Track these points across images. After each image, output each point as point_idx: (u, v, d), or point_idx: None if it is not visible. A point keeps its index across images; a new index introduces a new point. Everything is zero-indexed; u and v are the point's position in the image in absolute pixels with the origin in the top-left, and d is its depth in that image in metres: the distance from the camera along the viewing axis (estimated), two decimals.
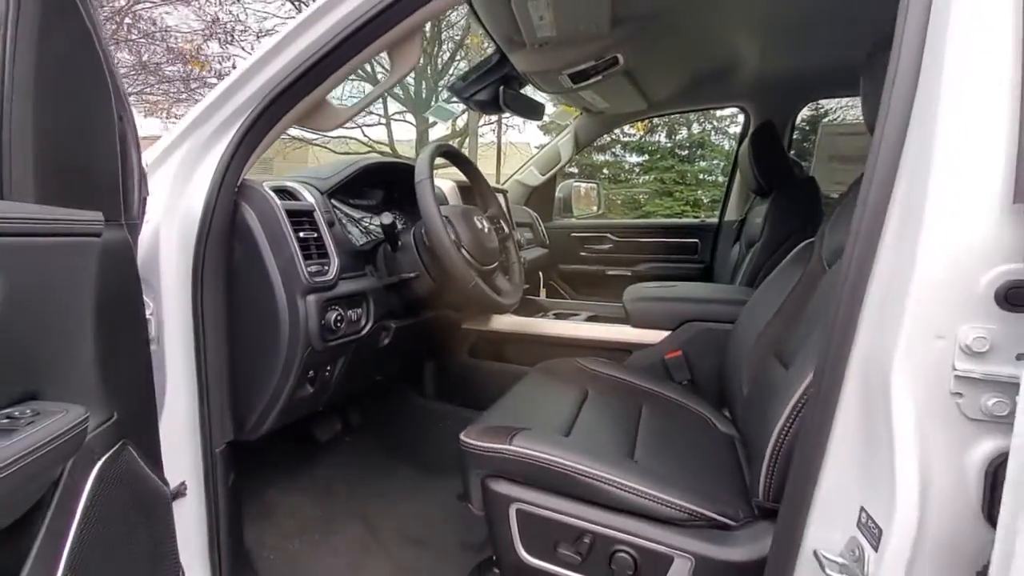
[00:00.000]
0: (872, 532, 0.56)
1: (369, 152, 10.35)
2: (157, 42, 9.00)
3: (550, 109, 2.37)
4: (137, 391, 0.78)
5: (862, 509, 0.58)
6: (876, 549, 0.55)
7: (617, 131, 9.23)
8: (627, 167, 10.26)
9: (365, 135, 10.19)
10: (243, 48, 9.14)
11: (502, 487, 0.92)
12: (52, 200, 0.62)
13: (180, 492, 0.96)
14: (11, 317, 0.53)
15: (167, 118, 9.80)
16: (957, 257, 0.52)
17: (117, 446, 0.70)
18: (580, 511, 0.87)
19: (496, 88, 1.66)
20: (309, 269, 0.97)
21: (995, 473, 0.51)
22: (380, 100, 9.34)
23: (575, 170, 10.18)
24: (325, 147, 9.74)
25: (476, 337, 1.72)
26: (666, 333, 1.54)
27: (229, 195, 0.93)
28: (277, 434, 1.08)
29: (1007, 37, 0.51)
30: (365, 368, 1.28)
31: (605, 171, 10.22)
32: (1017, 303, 0.49)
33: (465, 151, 10.53)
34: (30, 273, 0.56)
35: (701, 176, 9.59)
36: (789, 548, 0.64)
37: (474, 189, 1.44)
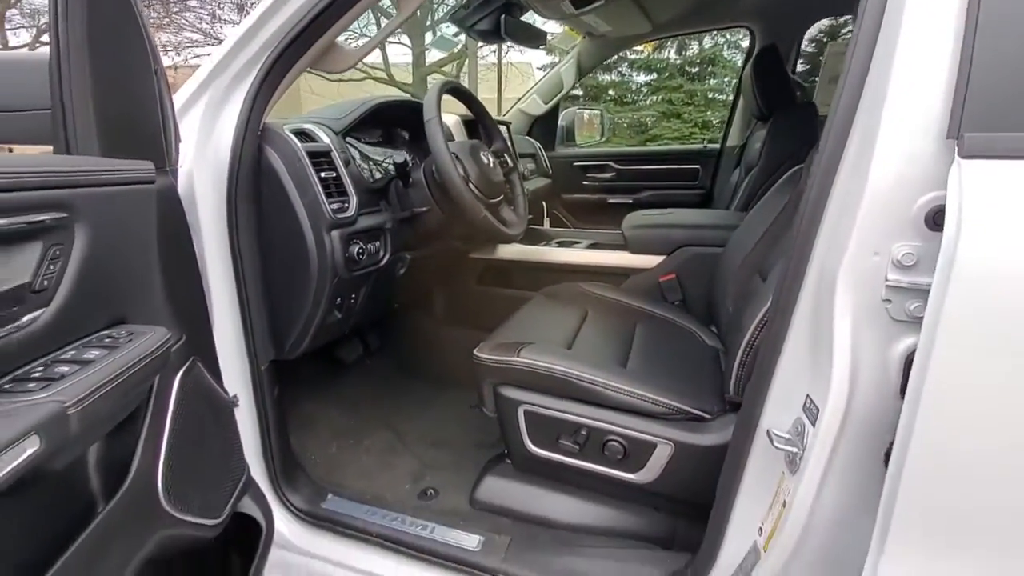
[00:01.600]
0: (812, 412, 0.69)
1: (365, 78, 9.97)
2: None
3: (557, 29, 2.32)
4: (197, 316, 0.91)
5: (807, 396, 0.71)
6: (813, 425, 0.68)
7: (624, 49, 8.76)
8: (634, 88, 9.85)
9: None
10: None
11: (511, 392, 1.07)
12: (112, 152, 0.71)
13: (235, 403, 1.12)
14: (99, 255, 0.63)
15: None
16: (899, 184, 0.61)
17: (189, 362, 0.83)
18: (578, 409, 1.02)
19: (497, 17, 1.65)
20: (332, 207, 1.06)
21: (912, 362, 0.63)
22: (374, 21, 8.88)
23: (580, 92, 9.81)
24: (318, 73, 9.35)
25: (483, 266, 1.84)
26: (661, 258, 1.64)
27: (253, 139, 1.00)
28: (308, 357, 1.21)
29: None
30: (384, 295, 1.40)
31: (611, 92, 9.83)
32: (940, 224, 0.59)
33: (465, 74, 10.12)
34: (107, 217, 0.65)
35: (711, 95, 9.20)
36: (747, 429, 0.78)
37: (479, 124, 1.49)
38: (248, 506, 1.03)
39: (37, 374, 0.55)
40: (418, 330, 1.87)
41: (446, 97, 1.24)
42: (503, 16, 1.61)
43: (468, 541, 1.05)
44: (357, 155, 1.24)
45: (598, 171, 2.76)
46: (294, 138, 1.05)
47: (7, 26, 9.00)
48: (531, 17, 1.93)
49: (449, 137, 1.67)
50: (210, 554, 0.99)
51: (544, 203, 2.58)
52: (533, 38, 1.82)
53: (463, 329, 1.80)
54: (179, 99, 0.99)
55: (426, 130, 1.13)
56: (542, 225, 2.55)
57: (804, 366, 0.72)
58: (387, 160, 1.31)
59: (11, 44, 9.24)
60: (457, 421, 1.53)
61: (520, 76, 9.91)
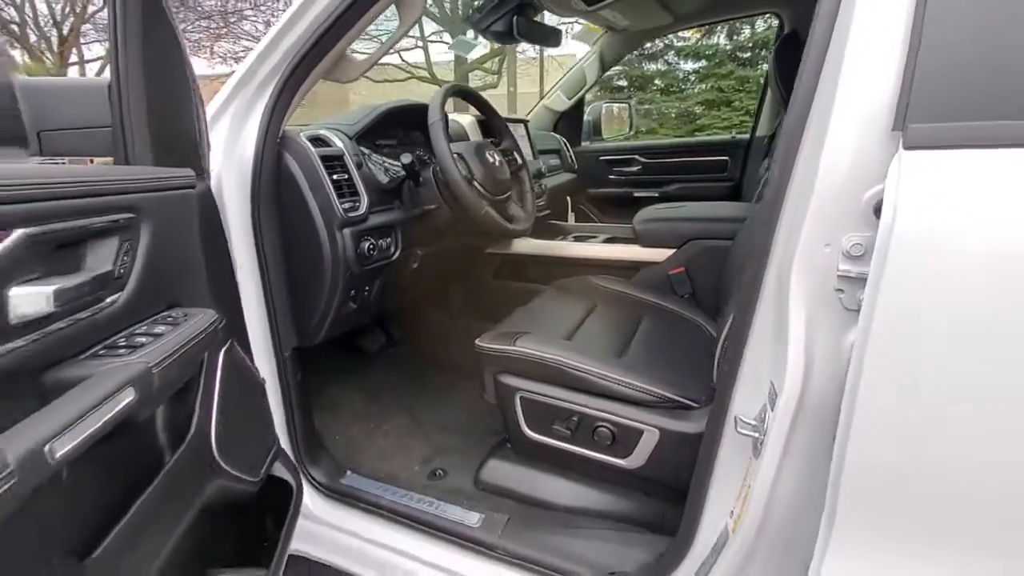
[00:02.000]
0: (773, 399, 0.71)
1: (408, 79, 10.22)
2: None
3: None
4: (232, 303, 1.02)
5: (771, 383, 0.73)
6: (773, 409, 0.70)
7: (671, 36, 8.48)
8: (681, 76, 9.55)
9: (403, 59, 10.04)
10: None
11: (509, 380, 1.13)
12: (161, 162, 0.82)
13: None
14: (158, 249, 0.75)
15: (211, 56, 10.04)
16: (849, 176, 0.62)
17: (229, 342, 0.94)
18: (570, 397, 1.07)
19: (510, 18, 1.70)
20: (343, 206, 1.15)
21: None
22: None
23: (624, 83, 9.62)
24: (363, 76, 9.67)
25: (499, 260, 1.90)
26: (671, 251, 1.65)
27: (273, 146, 1.10)
28: (335, 346, 1.31)
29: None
30: (399, 289, 1.49)
31: (657, 81, 9.59)
32: None
33: (506, 70, 10.17)
34: (163, 217, 0.77)
35: (764, 81, 8.78)
36: (719, 417, 0.81)
37: (488, 124, 1.55)
38: (280, 470, 1.15)
39: (122, 343, 0.67)
40: (438, 322, 1.96)
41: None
42: (515, 17, 1.66)
43: (469, 518, 1.12)
44: (370, 157, 1.33)
45: (624, 165, 2.75)
46: (309, 144, 1.14)
47: (81, 40, 9.83)
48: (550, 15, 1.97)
49: (462, 136, 1.74)
50: (250, 516, 1.11)
51: (569, 198, 2.61)
52: (547, 37, 1.85)
53: (480, 322, 1.87)
54: (209, 111, 1.11)
55: (429, 133, 1.20)
56: (566, 220, 2.59)
57: (768, 356, 0.74)
58: (398, 161, 1.40)
59: (85, 57, 10.08)
60: (470, 409, 1.60)
61: (561, 69, 9.83)
